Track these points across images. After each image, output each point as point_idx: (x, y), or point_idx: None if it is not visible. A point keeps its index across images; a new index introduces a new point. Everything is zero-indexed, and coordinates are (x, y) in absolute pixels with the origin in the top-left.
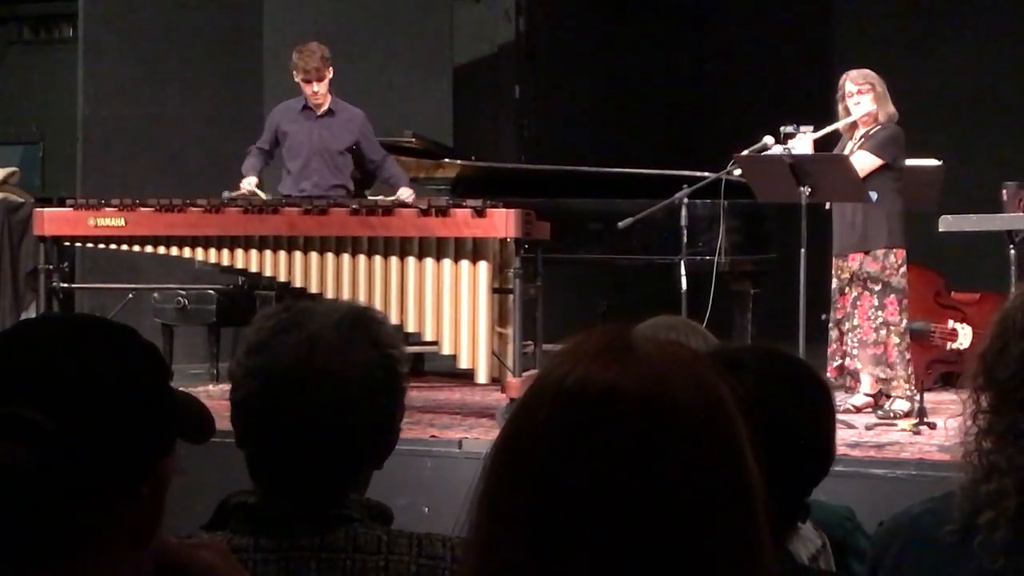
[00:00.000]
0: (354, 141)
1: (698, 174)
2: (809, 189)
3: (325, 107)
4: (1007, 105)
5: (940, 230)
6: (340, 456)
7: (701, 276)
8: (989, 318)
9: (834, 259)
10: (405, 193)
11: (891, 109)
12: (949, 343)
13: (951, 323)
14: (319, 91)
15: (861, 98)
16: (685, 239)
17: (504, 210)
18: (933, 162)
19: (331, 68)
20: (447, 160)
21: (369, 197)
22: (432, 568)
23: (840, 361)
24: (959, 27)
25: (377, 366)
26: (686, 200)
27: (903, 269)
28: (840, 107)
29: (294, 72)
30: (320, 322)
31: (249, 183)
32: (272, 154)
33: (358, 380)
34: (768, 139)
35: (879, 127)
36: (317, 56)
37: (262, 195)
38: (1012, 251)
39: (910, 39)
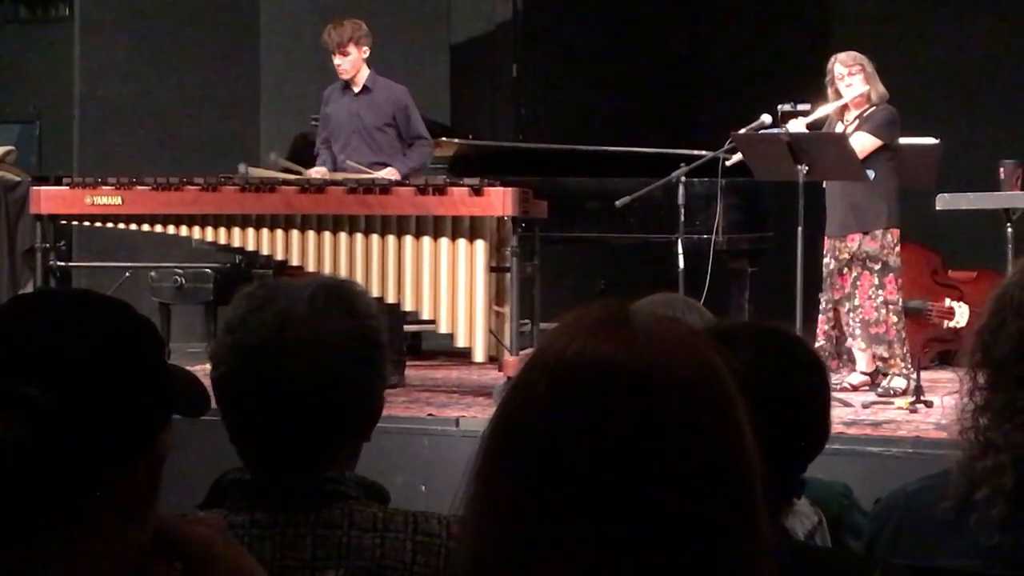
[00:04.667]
0: (391, 117)
1: (696, 153)
2: (807, 167)
3: (361, 84)
4: (1004, 83)
5: (937, 208)
6: (321, 427)
7: (698, 254)
8: (986, 296)
9: (828, 240)
10: (384, 171)
11: (882, 88)
12: (946, 321)
13: (948, 301)
14: (342, 65)
15: (852, 79)
16: (682, 217)
17: (501, 189)
18: (930, 140)
19: (365, 46)
20: (444, 139)
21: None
22: (428, 545)
23: (825, 342)
24: (957, 5)
25: (353, 335)
26: (683, 178)
27: (898, 248)
28: (830, 90)
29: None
30: (293, 296)
31: (317, 170)
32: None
33: (333, 348)
34: (766, 117)
35: (873, 108)
36: (346, 31)
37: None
38: (1009, 229)
39: (908, 17)
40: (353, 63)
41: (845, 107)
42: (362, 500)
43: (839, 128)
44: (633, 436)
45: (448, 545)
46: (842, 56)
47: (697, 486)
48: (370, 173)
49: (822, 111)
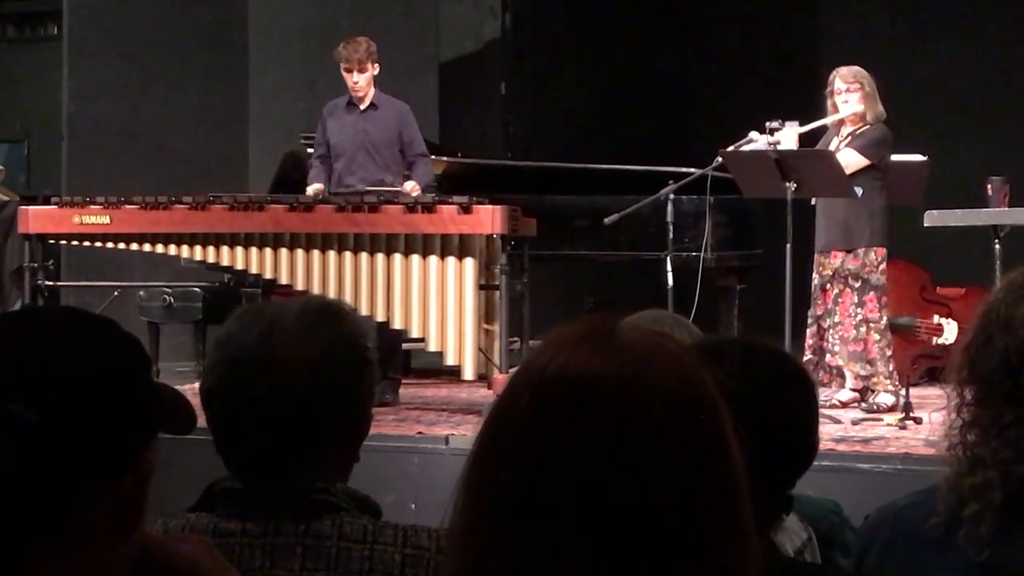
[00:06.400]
0: (397, 134)
1: (684, 170)
2: (795, 184)
3: (368, 101)
4: (992, 100)
5: (925, 225)
6: (305, 437)
7: (687, 272)
8: (974, 313)
9: (816, 255)
10: (408, 185)
11: (879, 109)
12: (934, 338)
13: (936, 318)
14: (359, 82)
15: (849, 96)
16: (671, 235)
17: (490, 206)
18: (918, 157)
19: (377, 64)
20: (433, 157)
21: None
22: (416, 558)
23: (811, 356)
24: (945, 22)
25: (340, 347)
26: (672, 196)
27: (883, 266)
28: (828, 103)
29: (339, 64)
30: (282, 311)
31: (313, 188)
32: (329, 158)
33: (319, 359)
34: (754, 134)
35: (867, 126)
36: (362, 48)
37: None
38: (997, 246)
39: (895, 34)
40: (368, 80)
41: (842, 121)
42: (353, 512)
43: (835, 142)
44: (616, 448)
45: (437, 559)
46: (843, 71)
47: (682, 499)
48: (395, 188)
49: (818, 123)
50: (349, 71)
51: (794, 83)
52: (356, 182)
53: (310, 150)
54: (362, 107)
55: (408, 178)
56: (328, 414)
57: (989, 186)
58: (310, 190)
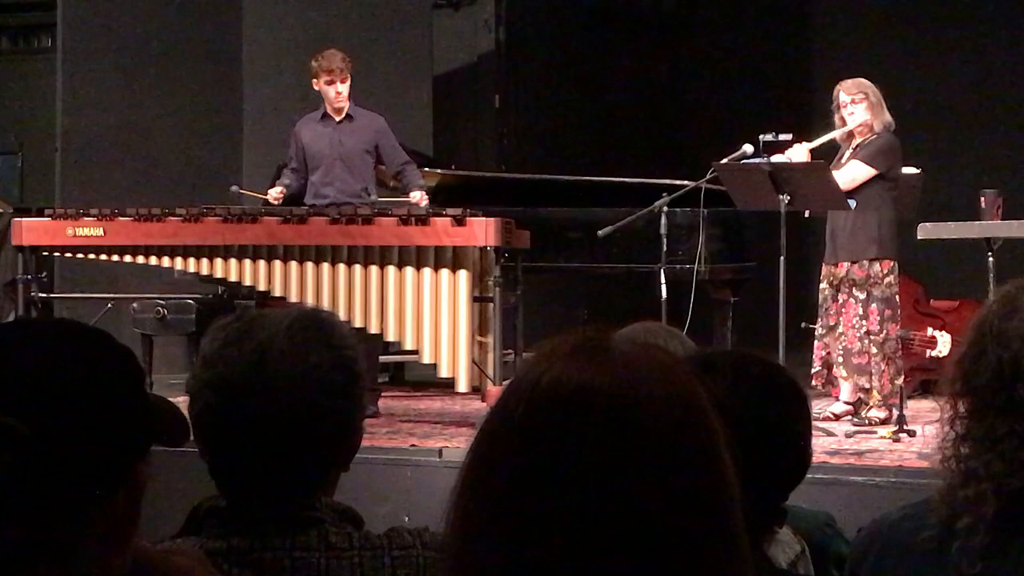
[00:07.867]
0: (373, 144)
1: (678, 182)
2: (788, 197)
3: (345, 112)
4: (985, 113)
5: (919, 238)
6: (302, 461)
7: (681, 284)
8: (968, 325)
9: (825, 266)
10: (415, 196)
11: (887, 118)
12: (928, 351)
13: (930, 331)
14: (343, 92)
15: (855, 108)
16: (665, 247)
17: (484, 219)
18: (912, 170)
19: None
20: (427, 169)
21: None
22: (405, 558)
23: (820, 368)
24: (936, 36)
25: (332, 367)
26: (666, 208)
27: (889, 279)
28: (836, 117)
29: (315, 78)
30: (271, 329)
31: (274, 191)
32: (303, 172)
33: (313, 383)
34: (747, 147)
35: (874, 136)
36: (338, 57)
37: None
38: (990, 258)
39: (887, 48)
40: (348, 90)
41: (851, 134)
42: (337, 523)
43: (846, 155)
44: (609, 460)
45: (424, 554)
46: (847, 83)
47: (675, 511)
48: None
49: (825, 137)
50: (331, 82)
51: (788, 95)
52: (334, 193)
53: None
54: (338, 119)
55: (398, 185)
56: (323, 433)
57: (982, 199)
58: (272, 192)
